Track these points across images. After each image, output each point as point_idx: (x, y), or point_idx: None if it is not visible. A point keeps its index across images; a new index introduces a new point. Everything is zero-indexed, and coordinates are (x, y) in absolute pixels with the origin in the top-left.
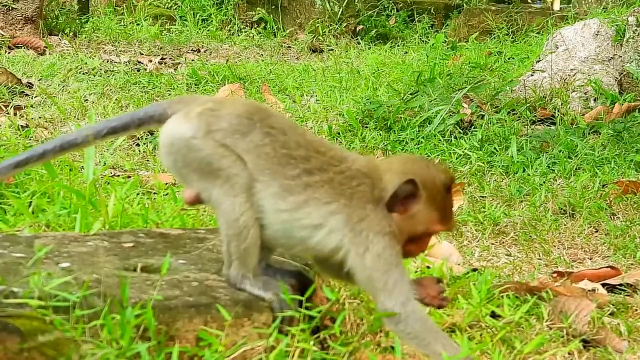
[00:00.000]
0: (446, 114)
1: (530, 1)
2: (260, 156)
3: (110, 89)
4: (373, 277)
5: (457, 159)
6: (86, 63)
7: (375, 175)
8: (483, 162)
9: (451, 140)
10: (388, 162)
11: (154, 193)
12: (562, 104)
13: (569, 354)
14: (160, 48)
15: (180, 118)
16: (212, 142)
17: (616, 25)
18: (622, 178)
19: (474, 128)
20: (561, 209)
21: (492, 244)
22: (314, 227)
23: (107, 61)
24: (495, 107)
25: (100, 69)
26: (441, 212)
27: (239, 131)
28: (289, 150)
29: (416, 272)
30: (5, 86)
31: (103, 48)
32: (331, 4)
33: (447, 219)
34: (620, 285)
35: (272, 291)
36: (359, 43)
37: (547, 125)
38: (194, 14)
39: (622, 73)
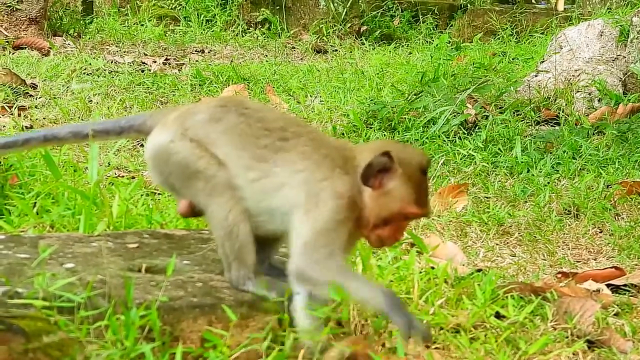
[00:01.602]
0: (450, 114)
1: (534, 2)
2: (234, 133)
3: (115, 90)
4: (302, 234)
5: (461, 159)
6: (90, 64)
7: (350, 154)
8: (487, 163)
9: (455, 141)
10: (364, 144)
11: (158, 194)
12: (566, 104)
13: (573, 354)
14: (165, 49)
15: (159, 129)
16: (187, 142)
17: (620, 25)
18: (627, 178)
19: (478, 128)
20: (565, 209)
21: (497, 244)
22: (278, 187)
23: (111, 62)
24: (500, 108)
25: (105, 70)
26: (417, 193)
27: (214, 118)
28: (265, 123)
29: (420, 272)
30: (9, 87)
31: (107, 49)
32: (335, 4)
33: (423, 202)
34: (625, 285)
35: (276, 291)
36: (363, 44)
37: (552, 126)
38: (198, 15)
39: (626, 73)
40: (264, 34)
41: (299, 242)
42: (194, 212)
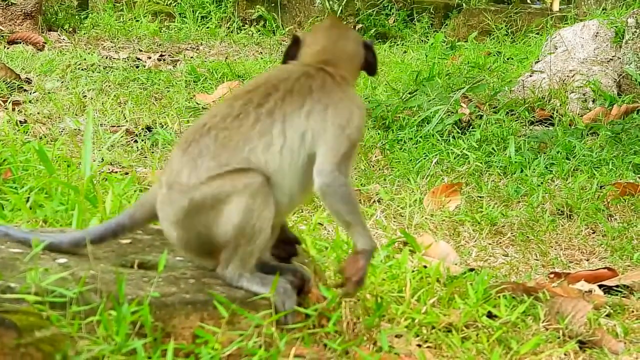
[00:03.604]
0: (444, 113)
1: (529, 2)
2: (220, 144)
3: (109, 86)
4: (336, 148)
5: (455, 158)
6: (85, 59)
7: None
8: (481, 162)
9: (449, 140)
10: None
11: None
12: (560, 104)
13: (565, 354)
14: (160, 45)
15: (161, 196)
16: (200, 186)
17: (615, 26)
18: (620, 179)
19: (472, 128)
20: (559, 209)
21: (489, 244)
22: (301, 136)
23: (106, 57)
24: (494, 108)
25: (99, 65)
26: None
27: (192, 155)
28: (231, 110)
29: (413, 271)
30: (4, 81)
31: (102, 44)
32: (330, 2)
33: None
34: (617, 286)
35: (270, 287)
36: None
37: (546, 126)
38: (193, 11)
39: (620, 74)
40: (259, 31)
41: (332, 154)
42: None
